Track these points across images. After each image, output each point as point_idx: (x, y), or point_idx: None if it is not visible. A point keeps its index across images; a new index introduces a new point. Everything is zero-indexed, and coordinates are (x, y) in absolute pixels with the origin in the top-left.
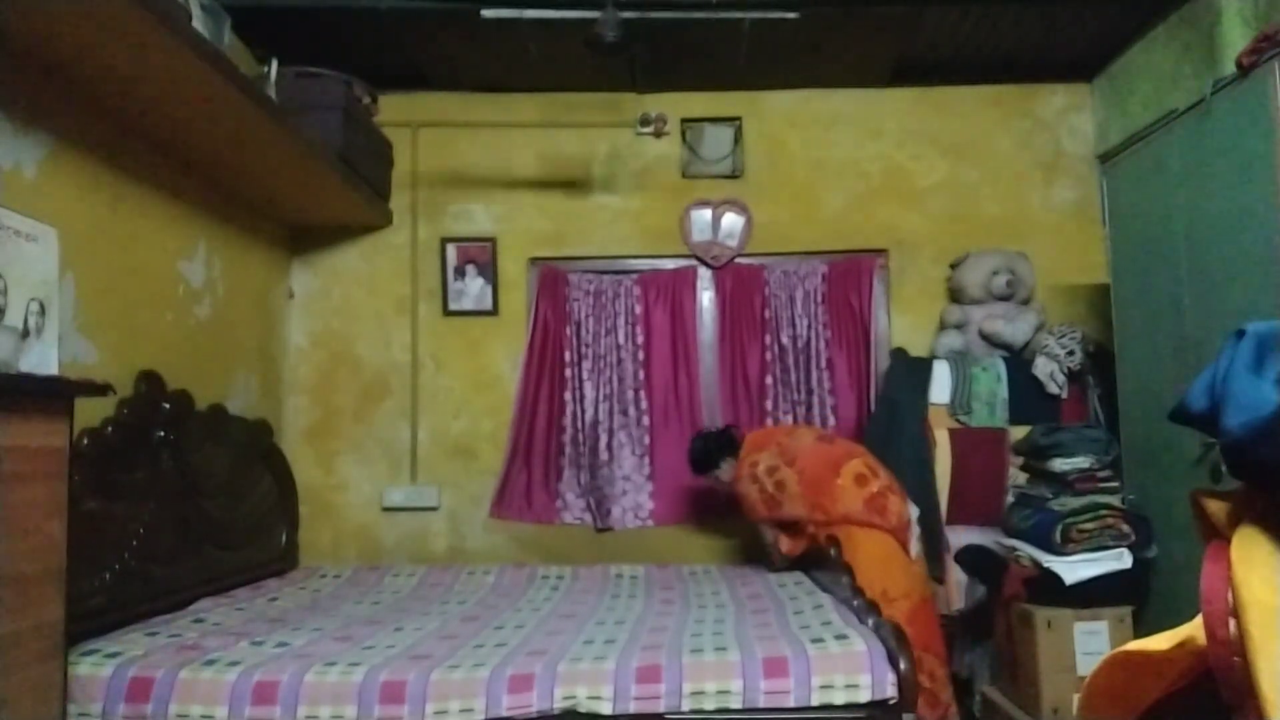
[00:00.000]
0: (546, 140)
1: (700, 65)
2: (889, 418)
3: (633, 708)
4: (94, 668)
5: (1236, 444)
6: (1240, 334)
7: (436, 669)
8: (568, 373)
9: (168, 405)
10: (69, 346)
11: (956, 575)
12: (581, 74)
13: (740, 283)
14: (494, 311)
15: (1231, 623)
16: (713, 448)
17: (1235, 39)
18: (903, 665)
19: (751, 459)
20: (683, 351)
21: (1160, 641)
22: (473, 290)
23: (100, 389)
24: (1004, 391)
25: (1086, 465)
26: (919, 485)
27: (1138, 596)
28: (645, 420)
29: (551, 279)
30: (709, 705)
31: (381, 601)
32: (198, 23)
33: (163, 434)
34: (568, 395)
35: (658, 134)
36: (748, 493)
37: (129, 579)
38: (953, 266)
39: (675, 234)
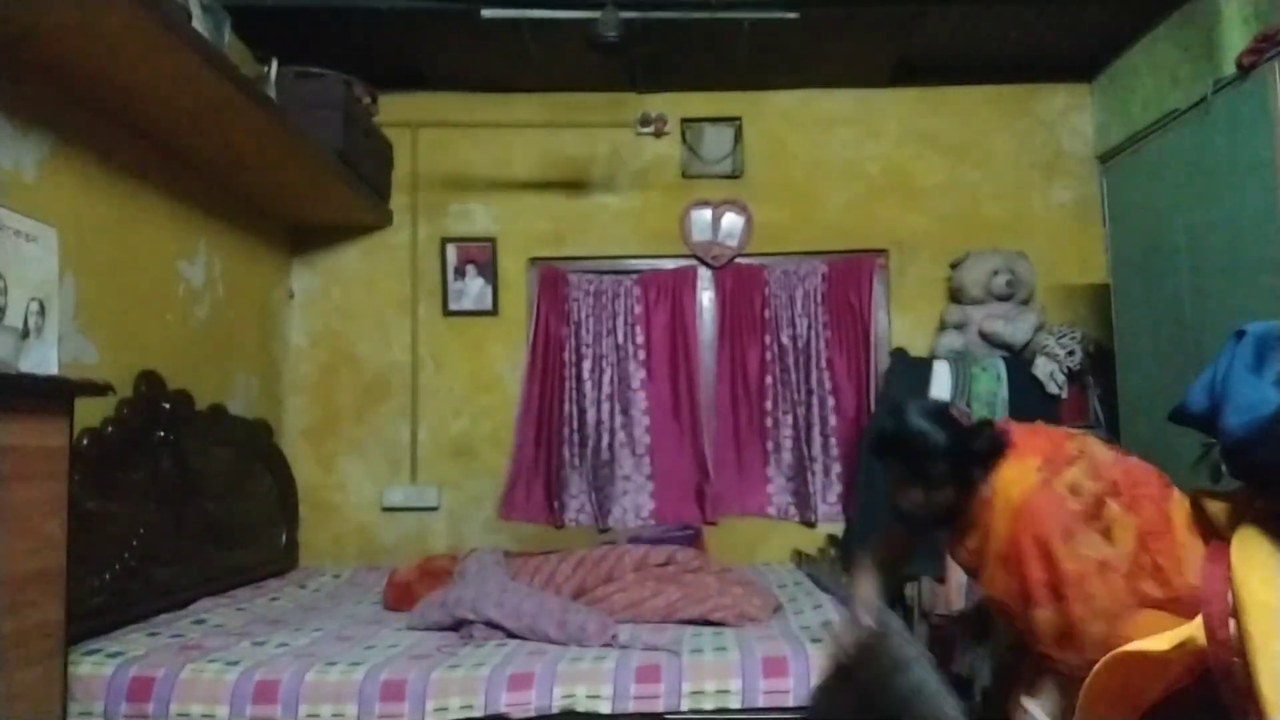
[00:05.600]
0: (546, 140)
1: (700, 65)
2: None
3: (631, 707)
4: (95, 667)
5: (1237, 444)
6: (1240, 334)
7: (437, 668)
8: (568, 373)
9: (168, 405)
10: (69, 346)
11: (957, 575)
12: (581, 74)
13: (740, 283)
14: (494, 311)
15: (1231, 623)
16: (965, 439)
17: (1235, 39)
18: None
19: (1058, 474)
20: (683, 351)
21: (1160, 642)
22: (473, 290)
23: (100, 389)
24: (1004, 391)
25: None
26: None
27: None
28: (645, 420)
29: (551, 279)
30: (708, 705)
31: (381, 601)
32: (198, 23)
33: (163, 434)
34: (567, 395)
35: (658, 134)
36: (1052, 542)
37: (129, 579)
38: (953, 266)
39: (675, 234)
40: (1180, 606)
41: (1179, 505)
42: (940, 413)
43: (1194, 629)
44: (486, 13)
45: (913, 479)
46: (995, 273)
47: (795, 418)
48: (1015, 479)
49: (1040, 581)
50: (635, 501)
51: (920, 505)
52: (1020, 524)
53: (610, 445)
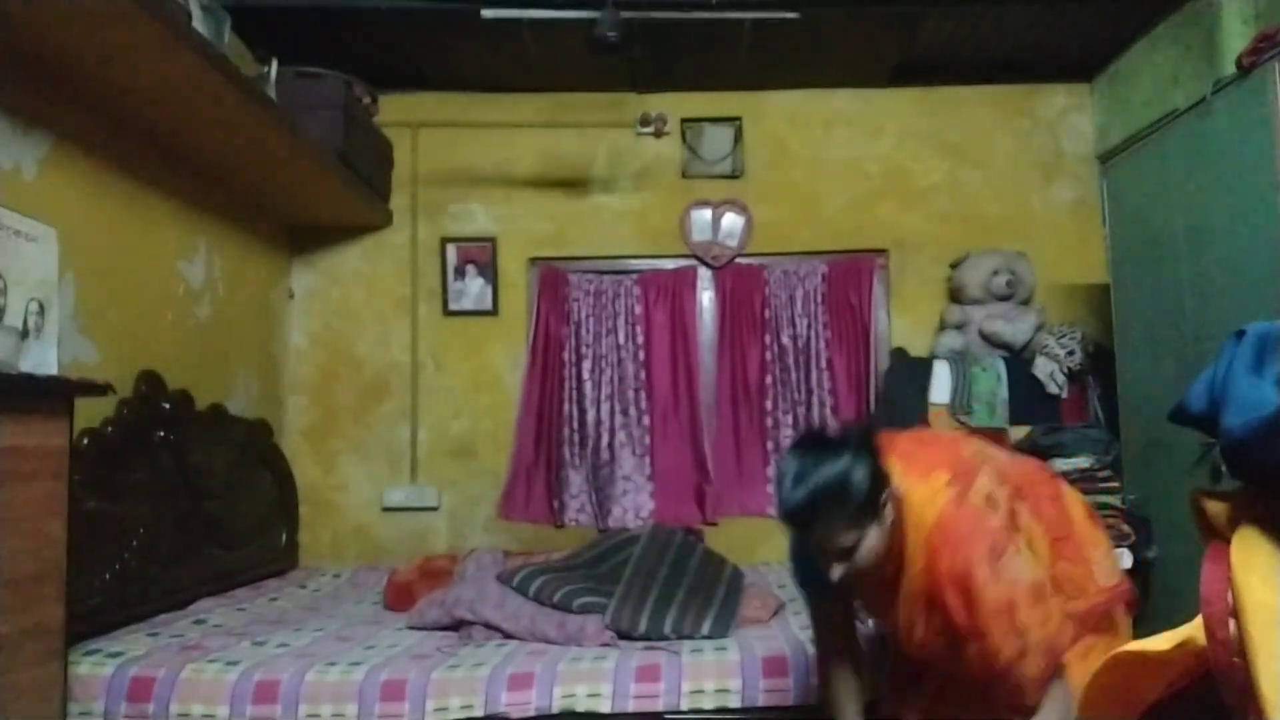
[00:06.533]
0: (546, 140)
1: (700, 65)
2: (889, 418)
3: (631, 706)
4: (95, 667)
5: (1237, 444)
6: (1240, 334)
7: (437, 668)
8: (568, 373)
9: (168, 405)
10: (69, 346)
11: None
12: (581, 74)
13: (740, 283)
14: (494, 311)
15: (1231, 623)
16: (874, 470)
17: (1235, 39)
18: None
19: (970, 486)
20: (683, 351)
21: (1160, 642)
22: (473, 290)
23: (100, 389)
24: (1004, 391)
25: (1086, 465)
26: None
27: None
28: (645, 420)
29: (551, 279)
30: (708, 704)
31: (381, 601)
32: (198, 23)
33: (163, 434)
34: (568, 395)
35: (658, 134)
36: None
37: (129, 579)
38: (953, 266)
39: (675, 234)
40: (1095, 619)
41: (1074, 500)
42: (816, 440)
43: (1194, 629)
44: (486, 13)
45: (847, 521)
46: (995, 273)
47: (795, 418)
48: (925, 499)
49: (963, 623)
50: (635, 501)
51: (857, 554)
52: (938, 552)
53: (610, 445)
